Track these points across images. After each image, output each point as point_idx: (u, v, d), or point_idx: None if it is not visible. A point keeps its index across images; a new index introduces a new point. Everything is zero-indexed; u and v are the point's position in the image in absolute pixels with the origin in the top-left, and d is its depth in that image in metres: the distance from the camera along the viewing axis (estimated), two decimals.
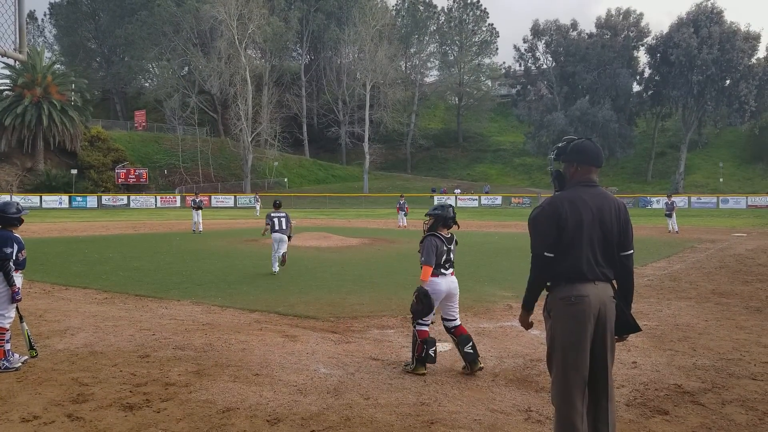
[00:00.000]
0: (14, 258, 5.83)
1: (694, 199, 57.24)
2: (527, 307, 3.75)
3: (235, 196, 63.06)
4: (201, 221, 26.07)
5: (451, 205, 6.07)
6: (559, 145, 3.78)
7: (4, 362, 5.79)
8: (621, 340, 3.69)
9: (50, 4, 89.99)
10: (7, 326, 5.91)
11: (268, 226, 13.09)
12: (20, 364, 5.84)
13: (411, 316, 5.83)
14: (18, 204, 6.18)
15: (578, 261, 3.47)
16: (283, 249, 13.03)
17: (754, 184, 65.75)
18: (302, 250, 17.52)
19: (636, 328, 3.69)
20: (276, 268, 12.83)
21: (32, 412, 4.58)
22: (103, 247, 18.45)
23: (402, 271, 13.06)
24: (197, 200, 26.63)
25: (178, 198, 61.40)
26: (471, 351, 5.65)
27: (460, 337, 5.76)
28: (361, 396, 5.05)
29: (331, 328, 7.57)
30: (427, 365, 5.75)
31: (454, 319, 5.91)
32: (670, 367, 5.88)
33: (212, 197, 63.07)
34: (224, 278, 11.92)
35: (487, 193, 65.29)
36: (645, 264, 14.23)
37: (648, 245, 19.12)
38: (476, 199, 62.28)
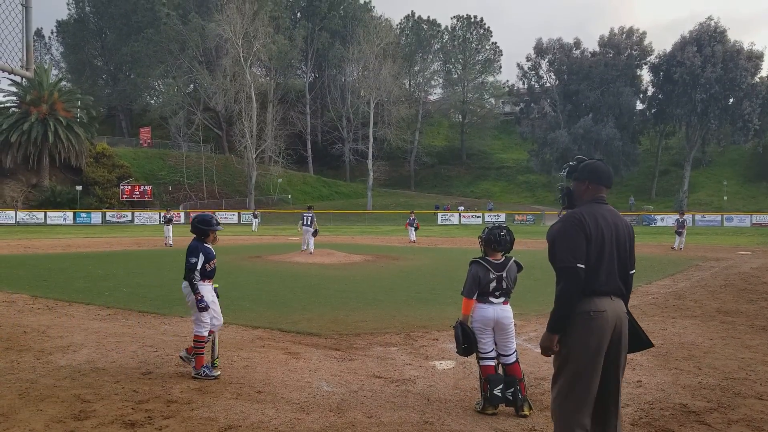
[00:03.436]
0: (201, 268, 6.04)
1: (698, 217, 57.07)
2: (557, 329, 3.48)
3: (239, 213, 63.18)
4: (171, 236, 27.51)
5: (501, 227, 5.40)
6: (571, 163, 3.83)
7: (205, 370, 6.00)
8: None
9: (57, 21, 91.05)
10: (205, 334, 6.09)
11: (301, 222, 22.22)
12: (218, 373, 6.06)
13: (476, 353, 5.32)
14: (215, 217, 6.41)
15: (597, 275, 3.47)
16: (309, 238, 21.65)
17: (759, 202, 65.59)
18: (306, 267, 17.51)
19: (648, 344, 3.72)
20: (305, 247, 21.92)
21: (34, 429, 4.56)
22: (106, 263, 18.46)
23: (405, 288, 13.04)
24: (168, 215, 28.24)
25: (182, 214, 61.54)
26: (510, 397, 5.07)
27: (507, 377, 5.16)
28: (364, 414, 5.01)
29: (334, 346, 7.53)
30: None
31: (508, 355, 5.28)
32: (675, 386, 5.84)
33: (216, 214, 63.14)
34: (227, 295, 11.86)
35: (490, 210, 65.23)
36: (650, 282, 14.17)
37: (653, 263, 19.05)
38: (480, 217, 62.23)
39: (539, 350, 3.67)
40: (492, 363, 5.21)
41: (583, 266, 3.42)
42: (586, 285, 3.44)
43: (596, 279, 3.46)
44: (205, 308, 6.04)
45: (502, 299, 5.26)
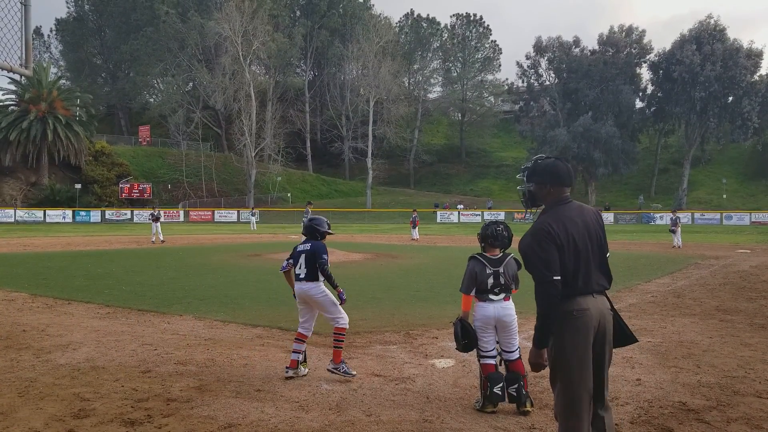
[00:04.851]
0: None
1: (697, 215, 57.15)
2: (543, 343, 3.48)
3: (238, 211, 63.17)
4: (159, 232, 28.39)
5: (497, 222, 5.43)
6: (528, 165, 3.79)
7: (344, 366, 6.00)
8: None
9: (56, 20, 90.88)
10: (347, 326, 6.14)
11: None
12: (355, 373, 6.04)
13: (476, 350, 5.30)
14: (327, 220, 6.51)
15: (577, 279, 3.48)
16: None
17: (758, 200, 65.65)
18: None
19: (633, 339, 3.75)
20: None
21: (33, 428, 4.56)
22: (105, 262, 18.46)
23: (405, 287, 13.04)
24: (155, 213, 29.29)
25: (182, 213, 61.51)
26: (513, 393, 5.03)
27: (510, 373, 5.14)
28: (363, 413, 5.02)
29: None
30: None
31: (511, 352, 5.25)
32: (674, 384, 5.84)
33: (215, 212, 63.23)
34: (226, 293, 11.90)
35: (489, 208, 65.25)
36: (649, 280, 14.18)
37: (652, 261, 19.06)
38: (479, 215, 62.25)
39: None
40: (493, 362, 5.20)
41: (559, 277, 3.42)
42: (567, 289, 3.46)
43: (576, 282, 3.48)
44: (345, 301, 6.07)
45: (502, 296, 5.21)
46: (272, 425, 4.68)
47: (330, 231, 6.42)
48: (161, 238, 28.11)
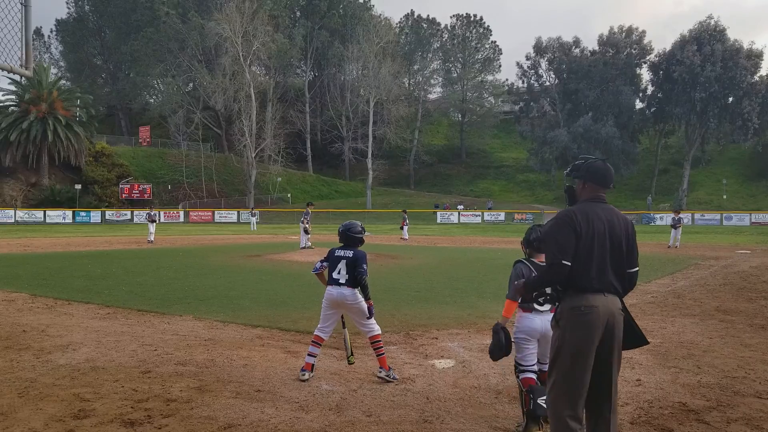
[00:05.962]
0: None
1: (697, 215, 57.13)
2: (515, 297, 3.97)
3: (238, 212, 63.20)
4: (154, 232, 29.03)
5: (536, 225, 5.08)
6: (576, 162, 3.90)
7: (391, 372, 5.99)
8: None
9: (56, 20, 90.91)
10: (380, 332, 6.12)
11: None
12: (398, 377, 6.03)
13: (514, 366, 4.93)
14: (362, 224, 6.37)
15: (589, 271, 3.52)
16: (301, 237, 23.54)
17: (758, 201, 65.65)
18: (305, 266, 17.49)
19: (643, 341, 3.76)
20: (303, 246, 23.17)
21: (33, 428, 4.56)
22: (106, 262, 18.44)
23: (405, 287, 13.03)
24: (152, 213, 29.92)
25: (182, 213, 61.50)
26: (543, 405, 4.48)
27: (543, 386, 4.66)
28: (363, 413, 5.02)
29: (333, 344, 7.51)
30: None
31: (547, 364, 4.79)
32: (674, 384, 5.84)
33: (215, 212, 63.24)
34: (226, 294, 11.89)
35: (490, 209, 65.26)
36: (649, 281, 14.17)
37: (652, 262, 19.05)
38: (479, 215, 62.26)
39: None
40: (533, 375, 4.79)
41: (568, 263, 3.49)
42: (577, 281, 3.50)
43: (587, 275, 3.51)
44: (372, 315, 5.99)
45: (548, 307, 4.74)
46: (272, 425, 4.68)
47: (363, 235, 6.28)
48: (150, 239, 28.41)
